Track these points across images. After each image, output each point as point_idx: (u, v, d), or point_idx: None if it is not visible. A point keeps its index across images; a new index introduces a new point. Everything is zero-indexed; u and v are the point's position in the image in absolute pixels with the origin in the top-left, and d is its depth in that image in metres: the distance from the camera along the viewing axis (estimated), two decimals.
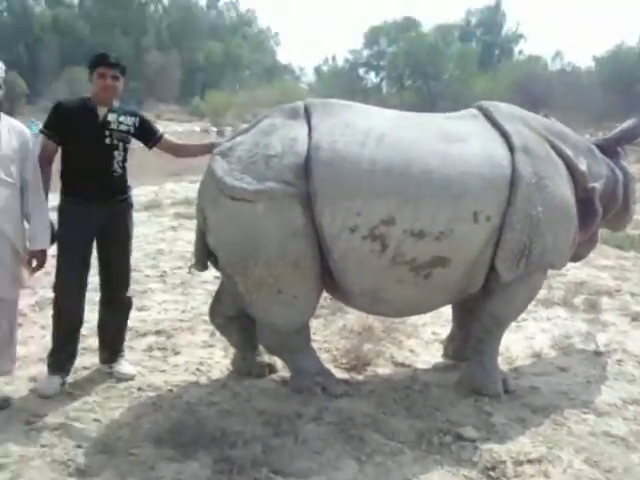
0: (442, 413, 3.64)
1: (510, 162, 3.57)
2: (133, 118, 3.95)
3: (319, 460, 3.14)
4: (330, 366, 4.17)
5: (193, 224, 9.89)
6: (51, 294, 5.79)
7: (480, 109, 3.94)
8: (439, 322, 5.20)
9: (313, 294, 3.62)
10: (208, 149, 3.92)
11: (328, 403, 3.71)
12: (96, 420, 3.52)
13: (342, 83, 78.82)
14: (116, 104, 3.91)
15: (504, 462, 3.15)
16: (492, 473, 3.08)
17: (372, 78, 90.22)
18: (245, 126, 3.86)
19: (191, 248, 8.07)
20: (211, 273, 6.53)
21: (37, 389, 3.85)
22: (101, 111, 3.82)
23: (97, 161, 3.80)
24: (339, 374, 4.12)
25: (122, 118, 3.88)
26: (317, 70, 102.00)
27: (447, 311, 4.58)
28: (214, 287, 6.22)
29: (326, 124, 3.52)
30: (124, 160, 3.92)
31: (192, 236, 8.83)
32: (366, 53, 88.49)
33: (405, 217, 3.36)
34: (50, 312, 5.39)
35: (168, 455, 3.15)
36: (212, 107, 54.18)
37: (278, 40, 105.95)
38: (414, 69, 77.30)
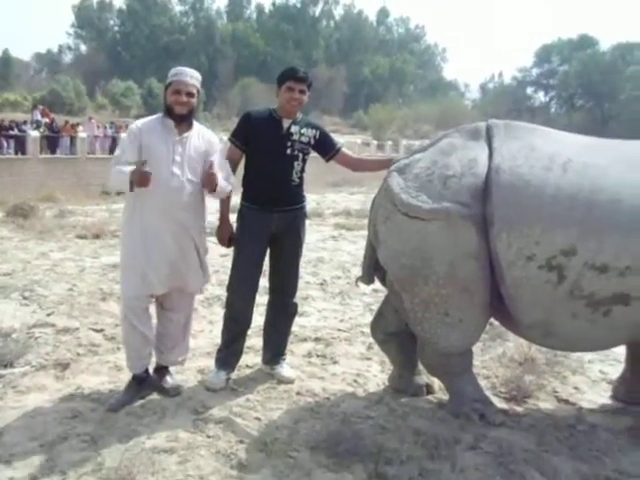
0: (611, 460, 3.36)
1: None
2: (314, 130, 4.07)
3: None
4: (488, 393, 4.03)
5: (353, 235, 10.29)
6: (219, 291, 6.20)
7: None
8: (607, 360, 4.88)
9: (480, 319, 3.52)
10: (385, 164, 3.94)
11: (486, 431, 3.57)
12: (257, 418, 3.65)
13: (508, 101, 76.89)
14: (299, 116, 4.05)
15: None
16: None
17: (540, 97, 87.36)
18: (423, 143, 3.85)
19: (350, 259, 8.35)
20: (370, 286, 6.64)
21: (205, 382, 4.08)
22: (285, 123, 3.97)
23: (277, 170, 3.95)
24: (498, 403, 3.97)
25: (304, 130, 4.01)
26: (482, 87, 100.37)
27: (617, 349, 4.28)
28: (371, 299, 6.33)
29: (509, 147, 3.42)
30: (302, 170, 4.05)
31: (352, 247, 9.21)
32: (536, 71, 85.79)
33: (587, 249, 3.16)
34: (217, 309, 5.77)
35: (324, 463, 3.19)
36: (375, 120, 54.93)
37: (445, 57, 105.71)
38: (587, 89, 73.76)
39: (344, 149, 4.22)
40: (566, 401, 4.17)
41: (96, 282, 6.64)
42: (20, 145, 20.67)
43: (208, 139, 3.88)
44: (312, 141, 4.05)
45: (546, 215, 3.20)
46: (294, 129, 3.98)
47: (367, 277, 3.95)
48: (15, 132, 21.84)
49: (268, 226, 3.99)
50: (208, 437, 3.42)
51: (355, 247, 9.25)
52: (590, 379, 4.58)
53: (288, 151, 3.95)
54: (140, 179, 3.50)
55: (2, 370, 4.15)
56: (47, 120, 26.07)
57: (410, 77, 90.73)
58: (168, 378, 3.98)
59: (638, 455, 3.45)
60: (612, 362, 4.79)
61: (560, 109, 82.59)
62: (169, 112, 3.71)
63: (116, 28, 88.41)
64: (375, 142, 36.55)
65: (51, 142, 22.48)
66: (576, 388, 4.39)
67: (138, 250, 3.66)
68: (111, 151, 22.73)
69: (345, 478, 3.08)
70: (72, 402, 3.76)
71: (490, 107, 74.12)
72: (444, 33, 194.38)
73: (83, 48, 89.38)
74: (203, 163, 3.80)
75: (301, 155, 4.00)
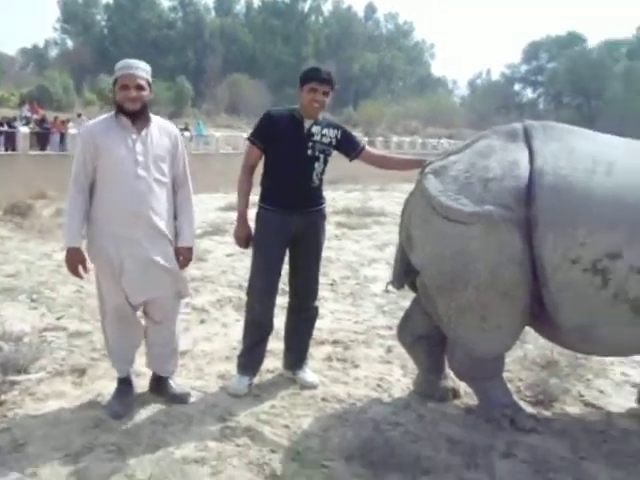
0: None
1: None
2: (335, 131, 3.96)
3: None
4: (515, 398, 3.97)
5: (356, 234, 10.18)
6: (229, 293, 6.11)
7: None
8: (629, 363, 4.81)
9: (518, 325, 3.43)
10: (415, 164, 3.86)
11: (518, 438, 3.50)
12: (285, 426, 3.56)
13: (496, 97, 77.23)
14: (320, 117, 3.93)
15: None
16: None
17: (528, 94, 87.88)
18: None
19: (357, 259, 8.25)
20: (379, 286, 6.55)
21: (227, 387, 3.98)
22: (307, 123, 3.86)
23: (297, 171, 3.85)
24: (525, 408, 3.90)
25: (325, 130, 3.90)
26: (471, 84, 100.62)
27: None
28: (383, 301, 6.24)
29: (550, 148, 3.33)
30: (323, 172, 3.95)
31: (356, 247, 9.10)
32: (524, 68, 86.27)
33: (634, 252, 3.09)
34: (229, 310, 5.69)
35: (359, 473, 3.11)
36: (364, 117, 54.83)
37: (433, 53, 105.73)
38: (575, 86, 74.21)
39: (368, 147, 4.12)
40: (593, 405, 4.10)
41: None
42: (9, 141, 20.39)
43: (169, 132, 3.65)
44: (334, 142, 3.94)
45: (592, 217, 3.12)
46: (315, 130, 3.87)
47: (398, 282, 3.85)
48: (5, 128, 21.55)
49: (287, 228, 3.89)
50: (238, 446, 3.32)
51: (359, 246, 9.17)
52: (614, 382, 4.51)
53: (309, 152, 3.84)
54: (73, 268, 3.46)
55: (17, 376, 4.02)
56: (37, 116, 25.76)
57: (399, 73, 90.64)
58: (172, 384, 3.85)
59: None
60: (634, 365, 4.72)
61: (548, 105, 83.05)
62: (120, 110, 3.46)
63: (103, 23, 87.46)
64: (366, 139, 36.28)
65: (41, 139, 22.17)
66: (601, 391, 4.32)
67: (112, 260, 3.46)
68: None
69: None
70: (93, 410, 3.64)
71: (479, 103, 74.41)
72: (432, 29, 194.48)
73: (70, 43, 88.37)
74: (170, 159, 3.60)
75: (322, 156, 3.90)
